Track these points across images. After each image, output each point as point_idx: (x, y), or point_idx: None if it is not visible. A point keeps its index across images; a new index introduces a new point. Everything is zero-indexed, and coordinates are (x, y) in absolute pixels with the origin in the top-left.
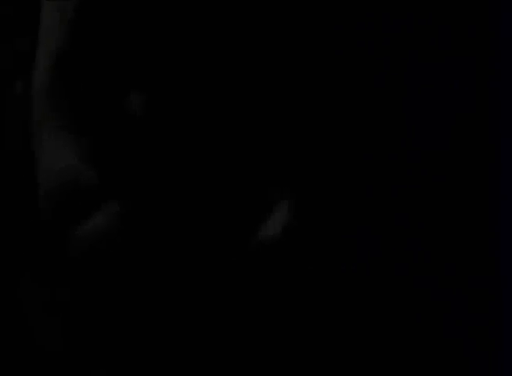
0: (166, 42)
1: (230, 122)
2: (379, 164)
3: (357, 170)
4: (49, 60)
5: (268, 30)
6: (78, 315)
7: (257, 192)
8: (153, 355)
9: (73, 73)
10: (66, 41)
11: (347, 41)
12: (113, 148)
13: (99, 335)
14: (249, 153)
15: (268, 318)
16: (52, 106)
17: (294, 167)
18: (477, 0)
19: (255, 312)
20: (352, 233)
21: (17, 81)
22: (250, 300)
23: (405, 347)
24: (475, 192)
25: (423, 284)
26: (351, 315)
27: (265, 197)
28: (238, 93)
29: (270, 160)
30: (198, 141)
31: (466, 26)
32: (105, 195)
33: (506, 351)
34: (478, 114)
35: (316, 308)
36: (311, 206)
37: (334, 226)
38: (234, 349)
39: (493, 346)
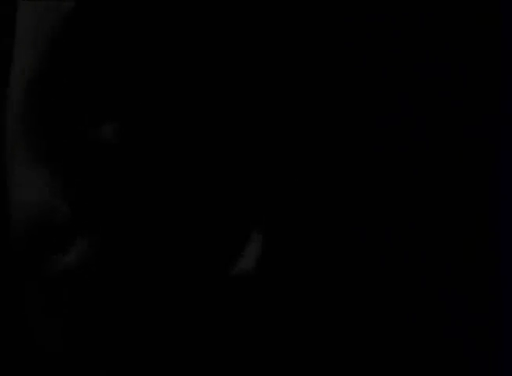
0: (139, 71)
1: (203, 153)
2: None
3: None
4: (24, 84)
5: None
6: (77, 317)
7: (230, 225)
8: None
9: (47, 101)
10: (40, 65)
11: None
12: (85, 182)
13: (96, 338)
14: (222, 186)
15: (245, 349)
16: (26, 135)
17: (268, 200)
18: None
19: (231, 343)
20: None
21: None
22: (226, 332)
23: (405, 347)
24: (475, 192)
25: (422, 285)
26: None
27: (239, 230)
28: (210, 123)
29: (243, 192)
30: (170, 172)
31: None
32: (76, 231)
33: (506, 351)
34: (478, 115)
35: (297, 335)
36: (284, 238)
37: (311, 254)
38: None
39: (493, 346)
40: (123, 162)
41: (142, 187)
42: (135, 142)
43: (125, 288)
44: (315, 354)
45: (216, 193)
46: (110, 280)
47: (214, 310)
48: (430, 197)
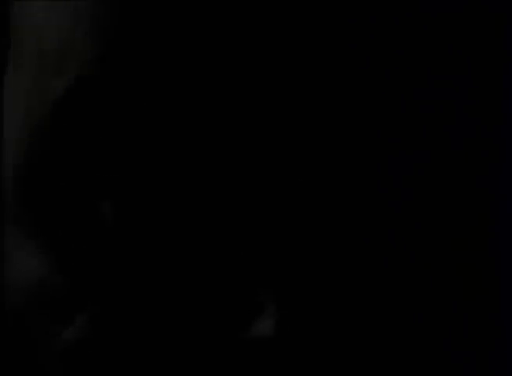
0: (135, 153)
1: (211, 223)
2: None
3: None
4: (11, 170)
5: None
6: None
7: (244, 294)
8: None
9: (38, 184)
10: (31, 145)
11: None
12: (82, 259)
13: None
14: (233, 256)
15: None
16: (17, 218)
17: (282, 270)
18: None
19: None
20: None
21: None
22: None
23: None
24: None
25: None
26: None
27: (253, 299)
28: (212, 196)
29: (257, 262)
30: (174, 247)
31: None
32: (74, 307)
33: (506, 351)
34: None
35: None
36: (299, 308)
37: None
38: None
39: (493, 346)
40: (120, 237)
41: (142, 260)
42: (130, 219)
43: (130, 361)
44: None
45: (227, 265)
46: (112, 353)
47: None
48: (430, 197)
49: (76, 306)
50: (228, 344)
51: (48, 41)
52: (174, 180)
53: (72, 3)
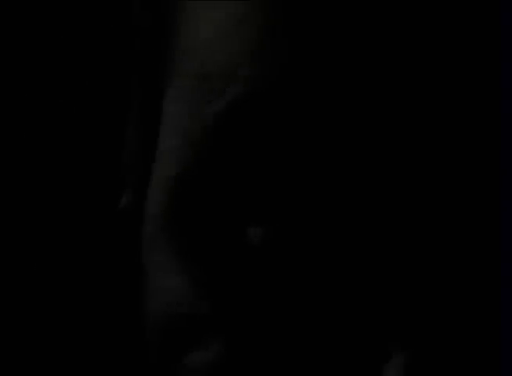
0: (287, 178)
1: (351, 265)
2: None
3: None
4: (166, 183)
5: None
6: None
7: (374, 343)
8: None
9: (192, 199)
10: (188, 166)
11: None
12: (225, 280)
13: None
14: (366, 305)
15: None
16: (167, 229)
17: (411, 321)
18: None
19: None
20: None
21: (123, 196)
22: None
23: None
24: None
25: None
26: None
27: (382, 349)
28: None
29: (389, 313)
30: (315, 282)
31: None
32: (215, 328)
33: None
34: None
35: None
36: (426, 361)
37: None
38: None
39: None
40: (267, 266)
41: (282, 293)
42: (279, 249)
43: None
44: None
45: (359, 311)
46: None
47: None
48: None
49: (215, 329)
50: None
51: (212, 61)
52: (327, 211)
53: (236, 27)
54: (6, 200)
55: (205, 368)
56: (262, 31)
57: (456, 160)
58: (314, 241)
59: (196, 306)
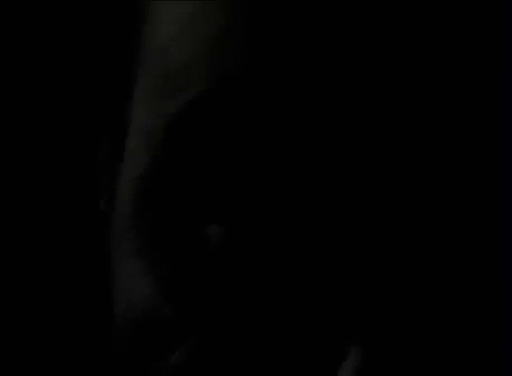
0: (248, 177)
1: (310, 264)
2: None
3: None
4: (133, 182)
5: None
6: None
7: (328, 336)
8: None
9: (159, 197)
10: (152, 163)
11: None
12: (190, 279)
13: None
14: (324, 300)
15: None
16: (134, 228)
17: (368, 316)
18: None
19: None
20: None
21: (101, 199)
22: None
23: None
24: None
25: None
26: None
27: (338, 344)
28: (319, 238)
29: (344, 309)
30: (274, 280)
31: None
32: (181, 331)
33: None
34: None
35: None
36: (382, 356)
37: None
38: None
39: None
40: (229, 264)
41: (245, 290)
42: (240, 247)
43: None
44: None
45: (317, 307)
46: None
47: None
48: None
49: (180, 332)
50: None
51: (173, 59)
52: (287, 209)
53: (196, 22)
54: None
55: (172, 370)
56: (223, 31)
57: (455, 160)
58: (273, 240)
59: (161, 308)
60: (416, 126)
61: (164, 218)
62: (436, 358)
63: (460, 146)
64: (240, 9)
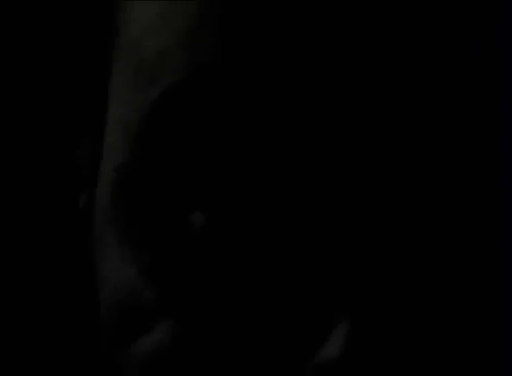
0: (225, 163)
1: (290, 249)
2: None
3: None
4: (111, 174)
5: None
6: None
7: (315, 312)
8: None
9: (135, 188)
10: (129, 156)
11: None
12: (171, 266)
13: None
14: (308, 277)
15: None
16: (113, 219)
17: (353, 291)
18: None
19: None
20: None
21: (81, 195)
22: None
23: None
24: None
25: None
26: None
27: (323, 317)
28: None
29: (328, 284)
30: (257, 263)
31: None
32: (161, 313)
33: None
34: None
35: None
36: (369, 330)
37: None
38: None
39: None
40: (210, 249)
41: (226, 275)
42: (222, 235)
43: (210, 370)
44: None
45: (301, 280)
46: (195, 361)
47: None
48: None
49: (160, 315)
50: (297, 364)
51: (146, 51)
52: (267, 195)
53: (169, 15)
54: None
55: (153, 353)
56: (196, 22)
57: (455, 160)
58: (254, 224)
59: (143, 293)
60: (414, 122)
61: (141, 209)
62: (428, 338)
63: (460, 146)
64: (214, 0)
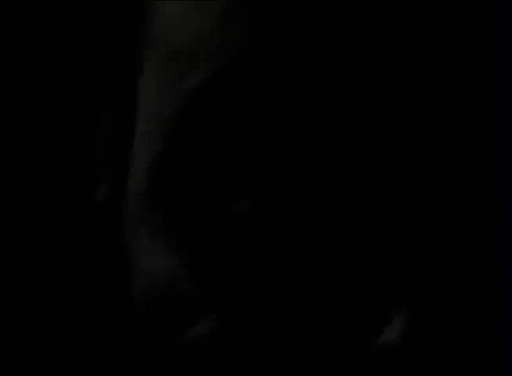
0: (269, 151)
1: (343, 232)
2: None
3: None
4: (147, 165)
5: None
6: None
7: (375, 297)
8: None
9: (173, 177)
10: (164, 145)
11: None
12: (212, 256)
13: None
14: (365, 267)
15: None
16: (150, 208)
17: (412, 279)
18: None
19: None
20: None
21: (99, 187)
22: None
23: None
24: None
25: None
26: None
27: (385, 302)
28: (347, 202)
29: (388, 272)
30: (304, 250)
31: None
32: (203, 307)
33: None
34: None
35: None
36: (428, 318)
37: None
38: None
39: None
40: (253, 238)
41: (270, 265)
42: (265, 221)
43: (255, 361)
44: None
45: (358, 273)
46: (238, 353)
47: None
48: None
49: (204, 305)
50: (355, 351)
51: (181, 41)
52: (312, 184)
53: (205, 5)
54: None
55: (200, 344)
56: (227, 7)
57: (455, 160)
58: (299, 212)
59: (184, 285)
60: (416, 121)
61: (180, 199)
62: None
63: (460, 146)
64: None
